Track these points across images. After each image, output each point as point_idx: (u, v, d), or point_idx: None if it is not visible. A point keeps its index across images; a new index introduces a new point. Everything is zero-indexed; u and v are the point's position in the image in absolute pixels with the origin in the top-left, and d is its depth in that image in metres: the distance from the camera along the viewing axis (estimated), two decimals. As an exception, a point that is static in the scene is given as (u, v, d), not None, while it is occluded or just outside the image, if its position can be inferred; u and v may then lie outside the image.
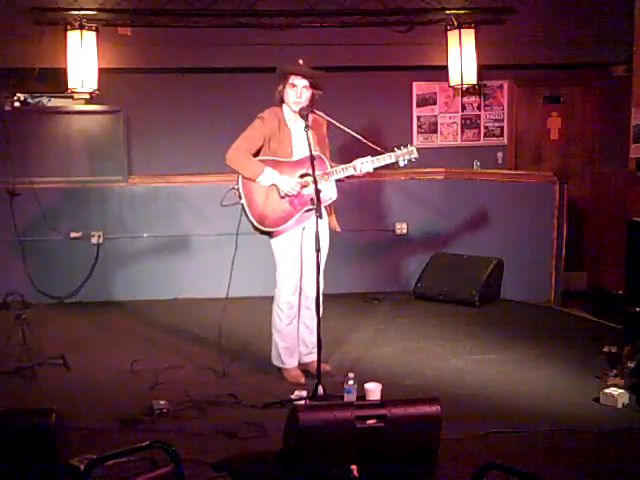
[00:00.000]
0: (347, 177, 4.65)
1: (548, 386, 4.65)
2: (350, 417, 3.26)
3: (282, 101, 4.60)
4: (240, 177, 4.55)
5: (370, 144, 4.63)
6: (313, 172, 4.33)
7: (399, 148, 4.59)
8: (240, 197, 4.55)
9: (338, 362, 5.01)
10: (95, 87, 6.61)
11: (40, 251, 6.86)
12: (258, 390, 4.52)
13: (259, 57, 6.72)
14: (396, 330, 5.95)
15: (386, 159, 4.59)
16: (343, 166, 4.60)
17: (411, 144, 4.65)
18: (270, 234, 4.62)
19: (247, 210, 4.54)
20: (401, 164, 4.61)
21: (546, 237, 6.68)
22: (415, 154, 4.60)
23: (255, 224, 4.55)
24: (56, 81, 6.74)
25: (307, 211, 4.58)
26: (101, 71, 6.62)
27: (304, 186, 4.55)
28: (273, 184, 4.52)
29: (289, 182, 4.51)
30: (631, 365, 4.59)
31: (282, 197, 4.53)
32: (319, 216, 4.25)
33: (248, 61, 6.85)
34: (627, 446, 3.78)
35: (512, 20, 7.04)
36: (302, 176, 4.56)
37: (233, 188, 4.56)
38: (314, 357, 4.69)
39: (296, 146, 4.59)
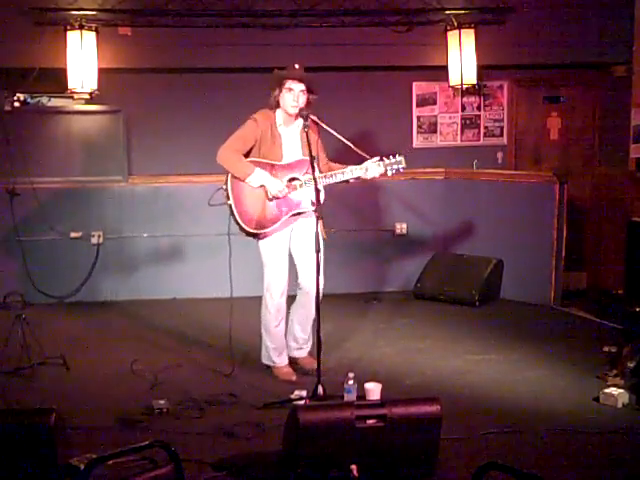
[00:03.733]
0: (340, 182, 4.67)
1: (548, 386, 4.65)
2: (350, 417, 3.26)
3: (277, 105, 4.61)
4: (229, 177, 4.56)
5: (360, 152, 4.62)
6: (313, 172, 4.34)
7: (388, 157, 4.61)
8: (228, 197, 4.55)
9: (338, 362, 5.02)
10: (95, 87, 6.60)
11: (40, 251, 6.86)
12: (258, 390, 4.52)
13: (259, 57, 6.72)
14: (396, 330, 5.95)
15: (376, 168, 4.60)
16: (332, 172, 4.61)
17: (400, 154, 4.64)
18: (257, 236, 4.63)
19: (234, 211, 4.55)
20: (389, 173, 4.64)
21: (546, 237, 6.67)
22: (403, 164, 4.61)
23: (242, 225, 4.56)
24: (56, 81, 6.74)
25: (294, 215, 4.59)
26: (101, 71, 6.61)
27: (292, 189, 4.56)
28: (262, 185, 4.52)
29: (278, 184, 4.52)
30: (631, 365, 4.59)
31: (270, 199, 4.54)
32: (319, 217, 4.25)
33: (248, 61, 6.85)
34: (627, 446, 3.78)
35: (512, 20, 7.04)
36: (291, 180, 4.57)
37: (221, 188, 4.57)
38: (303, 353, 4.83)
39: (286, 150, 4.60)
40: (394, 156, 4.62)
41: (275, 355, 4.78)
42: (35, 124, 6.88)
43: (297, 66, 4.54)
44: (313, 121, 4.64)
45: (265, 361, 4.82)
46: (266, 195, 4.54)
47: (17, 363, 4.78)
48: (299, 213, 4.60)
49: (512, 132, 7.63)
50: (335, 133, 4.61)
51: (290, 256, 4.77)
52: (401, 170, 4.64)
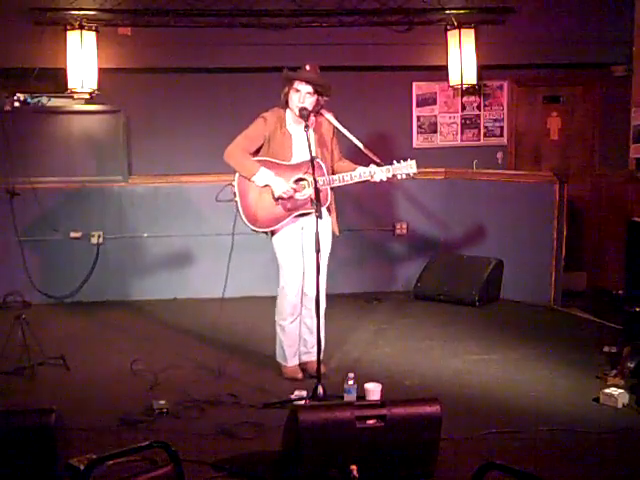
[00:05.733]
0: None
1: (548, 386, 4.65)
2: (350, 417, 3.26)
3: (287, 104, 4.60)
4: (237, 175, 4.57)
5: (371, 155, 4.58)
6: (313, 173, 4.31)
7: (399, 161, 4.53)
8: (235, 194, 4.56)
9: (338, 362, 5.02)
10: (95, 87, 6.61)
11: (40, 251, 6.86)
12: (258, 390, 4.52)
13: (259, 57, 6.73)
14: (396, 330, 5.95)
15: (385, 172, 4.52)
16: (338, 175, 4.56)
17: (412, 158, 4.55)
18: (266, 233, 4.65)
19: (240, 208, 4.56)
20: (398, 177, 4.55)
21: (546, 237, 6.67)
22: (414, 169, 4.53)
23: (246, 223, 4.57)
24: (56, 81, 6.74)
25: (298, 216, 4.58)
26: (101, 71, 6.62)
27: (297, 191, 4.54)
28: (267, 185, 4.53)
29: (283, 185, 4.51)
30: (631, 365, 4.59)
31: (275, 199, 4.54)
32: (319, 217, 4.25)
33: (248, 61, 6.86)
34: (627, 446, 3.78)
35: (512, 20, 7.05)
36: (298, 180, 4.56)
37: (230, 184, 4.58)
38: (312, 357, 4.72)
39: (296, 150, 4.59)
40: (405, 160, 4.53)
41: (289, 354, 4.76)
42: (35, 124, 6.88)
43: (308, 67, 4.50)
44: (328, 121, 4.65)
45: (279, 359, 4.81)
46: (272, 195, 4.55)
47: (17, 363, 4.78)
48: (305, 214, 4.58)
49: (512, 132, 7.64)
50: (349, 134, 4.60)
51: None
52: (411, 175, 4.54)
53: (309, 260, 4.64)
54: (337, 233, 4.77)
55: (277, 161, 4.56)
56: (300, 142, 4.57)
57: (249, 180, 4.53)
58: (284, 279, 4.69)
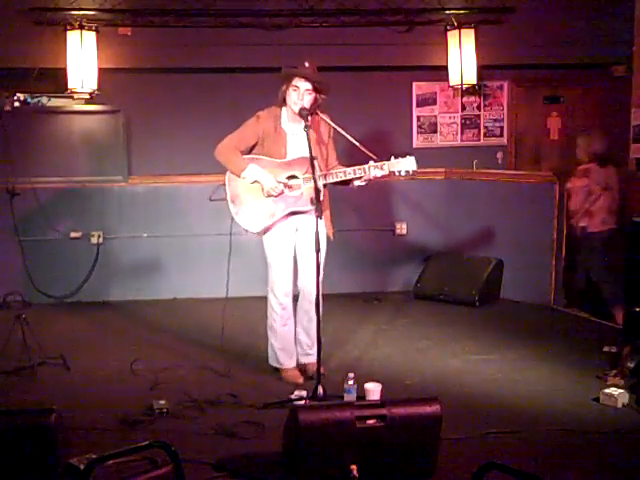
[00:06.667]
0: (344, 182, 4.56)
1: (548, 386, 4.65)
2: (350, 417, 3.26)
3: (284, 102, 4.58)
4: (227, 174, 4.58)
5: (368, 153, 4.51)
6: (313, 172, 4.30)
7: (397, 158, 4.43)
8: (226, 194, 4.57)
9: (338, 362, 5.02)
10: (95, 87, 6.61)
11: (40, 251, 6.86)
12: (258, 390, 4.52)
13: (259, 57, 6.73)
14: (396, 330, 5.96)
15: (381, 169, 4.43)
16: (332, 172, 4.52)
17: (410, 155, 4.45)
18: (257, 233, 4.63)
19: (230, 207, 4.57)
20: (396, 174, 4.45)
21: (546, 237, 6.68)
22: (413, 166, 4.42)
23: (237, 222, 4.57)
24: (56, 81, 6.74)
25: (292, 214, 4.56)
26: (101, 71, 6.62)
27: (288, 188, 4.51)
28: (256, 181, 4.51)
29: (271, 181, 4.49)
30: (631, 365, 4.59)
31: (266, 197, 4.53)
32: (319, 216, 4.23)
33: (248, 61, 6.85)
34: (627, 446, 3.78)
35: (512, 20, 7.04)
36: (289, 178, 4.53)
37: (223, 184, 4.57)
38: (311, 358, 4.70)
39: (290, 148, 4.56)
40: (403, 157, 4.44)
41: (283, 357, 4.72)
42: (35, 124, 6.89)
43: (307, 64, 4.48)
44: (323, 120, 4.62)
45: (272, 363, 4.77)
46: (262, 191, 4.53)
47: (17, 363, 4.78)
48: (298, 212, 4.57)
49: (512, 132, 7.63)
50: (344, 133, 4.58)
51: (294, 257, 4.72)
52: (411, 172, 4.44)
53: (304, 260, 4.63)
54: (332, 238, 4.71)
55: (268, 158, 4.53)
56: (294, 141, 4.56)
57: (238, 176, 4.53)
58: (272, 279, 4.66)
